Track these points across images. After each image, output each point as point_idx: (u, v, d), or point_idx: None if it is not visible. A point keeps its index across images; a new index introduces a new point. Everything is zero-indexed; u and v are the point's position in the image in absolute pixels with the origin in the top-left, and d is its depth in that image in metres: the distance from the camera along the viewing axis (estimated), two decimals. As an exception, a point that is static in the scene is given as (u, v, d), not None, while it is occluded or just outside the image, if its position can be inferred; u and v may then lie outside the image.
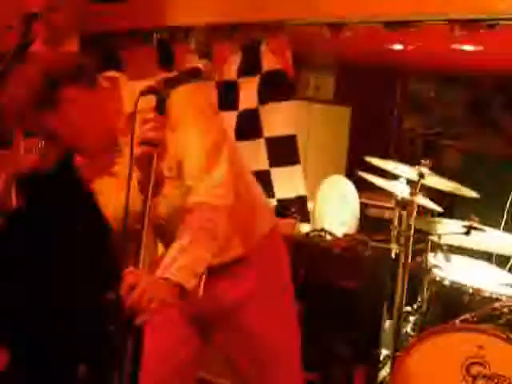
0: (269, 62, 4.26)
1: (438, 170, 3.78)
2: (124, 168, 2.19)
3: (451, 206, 4.39)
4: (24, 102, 2.29)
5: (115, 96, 2.49)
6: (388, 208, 4.63)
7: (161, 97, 2.23)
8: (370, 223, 4.80)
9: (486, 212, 3.87)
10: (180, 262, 2.19)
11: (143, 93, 2.21)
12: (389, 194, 4.32)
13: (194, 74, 2.55)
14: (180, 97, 2.37)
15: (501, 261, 3.99)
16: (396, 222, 4.11)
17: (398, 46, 4.57)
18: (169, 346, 2.71)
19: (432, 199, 3.98)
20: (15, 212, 3.34)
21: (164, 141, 2.19)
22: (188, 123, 2.44)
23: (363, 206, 4.88)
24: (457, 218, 3.82)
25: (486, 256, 4.03)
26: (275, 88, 4.13)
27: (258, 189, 2.81)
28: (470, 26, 3.36)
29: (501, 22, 3.32)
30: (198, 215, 2.32)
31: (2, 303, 3.57)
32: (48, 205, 3.48)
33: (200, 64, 2.70)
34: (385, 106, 6.53)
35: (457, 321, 3.21)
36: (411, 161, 3.84)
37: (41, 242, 3.53)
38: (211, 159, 2.41)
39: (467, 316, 3.27)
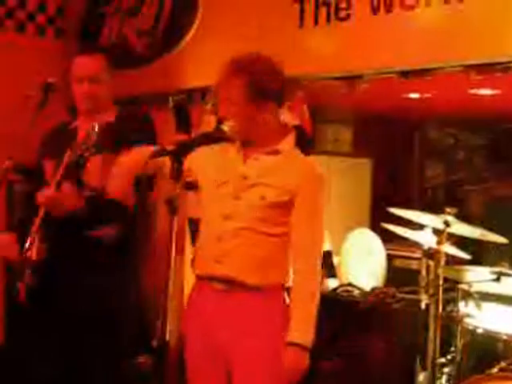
0: (286, 119, 4.26)
1: (462, 216, 3.73)
2: None
3: (479, 253, 4.31)
4: None
5: None
6: (415, 258, 4.55)
7: (175, 163, 2.15)
8: (397, 275, 4.72)
9: (514, 257, 3.80)
10: None
11: (155, 155, 2.16)
12: (415, 244, 4.26)
13: (217, 137, 2.48)
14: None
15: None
16: (424, 273, 4.05)
17: (414, 95, 4.56)
18: None
19: (460, 247, 3.92)
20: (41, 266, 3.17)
21: None
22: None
23: (389, 258, 4.81)
24: (485, 264, 3.76)
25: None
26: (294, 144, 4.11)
27: None
28: (486, 70, 3.35)
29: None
30: None
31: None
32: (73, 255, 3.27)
33: (225, 126, 2.64)
34: (405, 155, 6.51)
35: (495, 369, 3.14)
36: (434, 209, 3.80)
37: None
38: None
39: (504, 364, 3.19)
